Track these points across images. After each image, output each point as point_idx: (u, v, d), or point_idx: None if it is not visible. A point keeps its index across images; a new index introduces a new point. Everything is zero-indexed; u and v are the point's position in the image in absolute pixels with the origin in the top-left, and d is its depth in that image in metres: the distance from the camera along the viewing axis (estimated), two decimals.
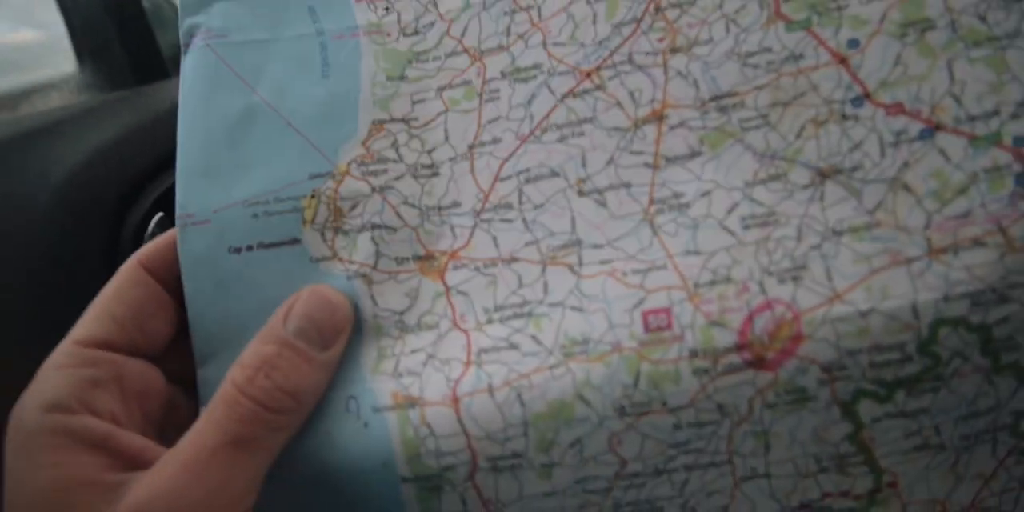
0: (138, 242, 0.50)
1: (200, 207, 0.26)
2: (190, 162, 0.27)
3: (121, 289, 0.25)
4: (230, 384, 0.22)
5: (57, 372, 0.23)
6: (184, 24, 0.29)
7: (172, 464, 0.21)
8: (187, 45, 0.28)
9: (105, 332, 0.24)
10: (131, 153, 0.52)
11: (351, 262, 0.26)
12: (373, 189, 0.26)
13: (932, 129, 0.23)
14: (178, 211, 0.26)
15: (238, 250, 0.26)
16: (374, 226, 0.26)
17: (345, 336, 0.24)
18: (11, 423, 0.22)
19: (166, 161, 0.52)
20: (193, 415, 0.23)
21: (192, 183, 0.26)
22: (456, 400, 0.23)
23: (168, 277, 0.25)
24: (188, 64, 0.28)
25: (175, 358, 0.25)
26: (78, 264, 0.50)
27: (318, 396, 0.23)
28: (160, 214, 0.50)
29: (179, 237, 0.26)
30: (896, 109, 0.23)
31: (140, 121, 0.55)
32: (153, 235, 0.50)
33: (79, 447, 0.21)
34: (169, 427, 0.25)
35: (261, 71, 0.27)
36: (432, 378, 0.24)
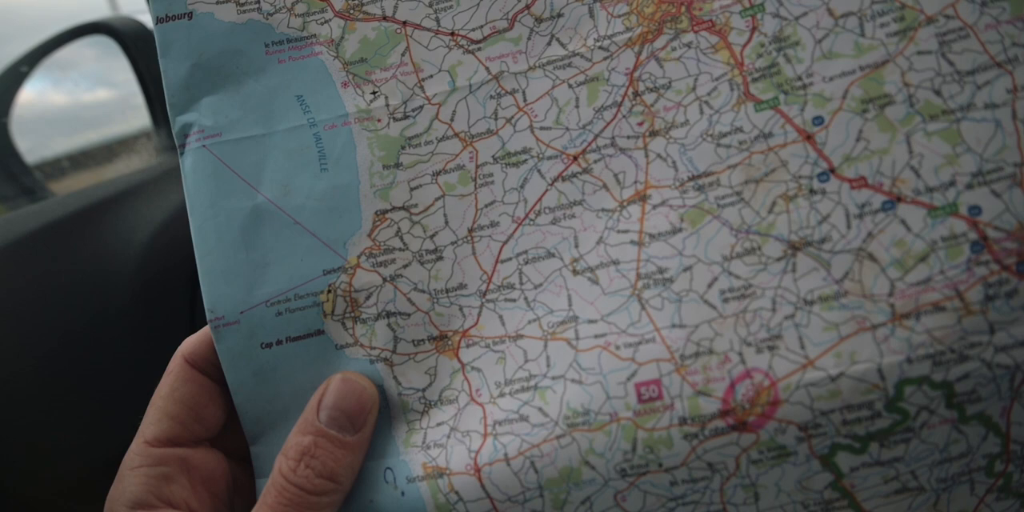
0: None
1: (227, 310, 0.29)
2: (209, 265, 0.29)
3: (174, 387, 0.28)
4: (278, 473, 0.25)
5: (133, 472, 0.26)
6: (176, 123, 0.30)
7: None
8: (182, 145, 0.30)
9: (168, 430, 0.27)
10: None
11: (372, 347, 0.28)
12: (384, 279, 0.29)
13: (893, 201, 0.25)
14: (208, 315, 0.29)
15: (269, 345, 0.28)
16: (389, 313, 0.28)
17: (373, 417, 0.27)
18: None
19: None
20: (252, 486, 0.27)
21: (215, 286, 0.29)
22: (478, 469, 0.26)
23: (212, 369, 0.29)
24: (188, 166, 0.30)
25: (231, 436, 0.29)
26: (164, 314, 0.55)
27: (355, 473, 0.27)
28: None
29: (214, 337, 0.29)
30: (860, 183, 0.25)
31: None
32: None
33: None
34: (235, 500, 0.28)
35: (261, 168, 0.29)
36: (455, 449, 0.27)
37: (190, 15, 0.30)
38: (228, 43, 0.30)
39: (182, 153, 0.30)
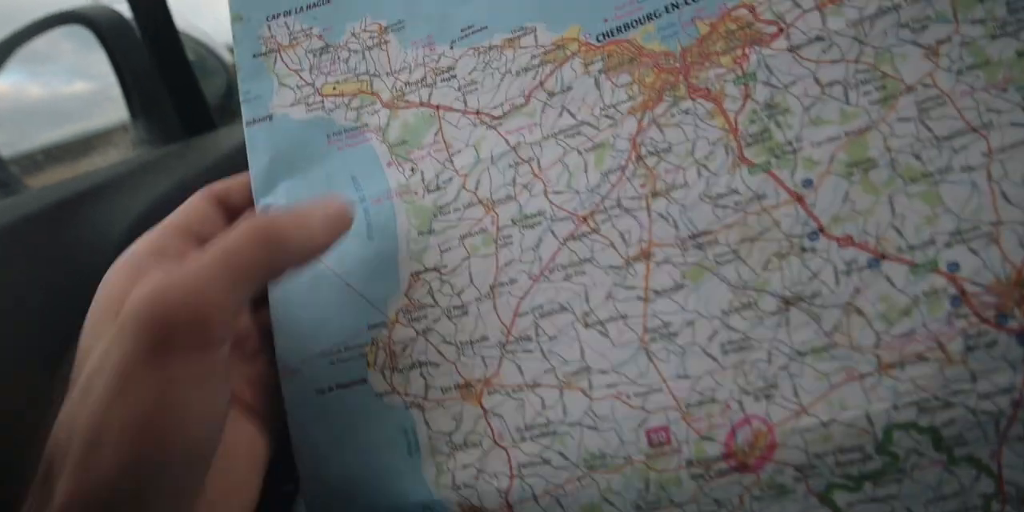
0: None
1: (293, 360, 0.33)
2: (280, 322, 0.33)
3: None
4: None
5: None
6: (259, 204, 0.35)
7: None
8: None
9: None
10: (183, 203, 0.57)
11: (407, 394, 0.31)
12: (417, 333, 0.32)
13: (878, 259, 0.27)
14: (279, 364, 0.33)
15: (322, 391, 0.32)
16: (421, 364, 0.31)
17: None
18: None
19: None
20: None
21: (284, 340, 0.33)
22: (510, 508, 0.29)
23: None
24: None
25: None
26: None
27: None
28: None
29: (282, 384, 0.32)
30: (847, 241, 0.27)
31: (191, 173, 0.60)
32: None
33: None
34: None
35: None
36: (486, 490, 0.29)
37: (270, 117, 0.35)
38: (299, 137, 0.35)
39: None
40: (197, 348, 0.24)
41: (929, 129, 0.27)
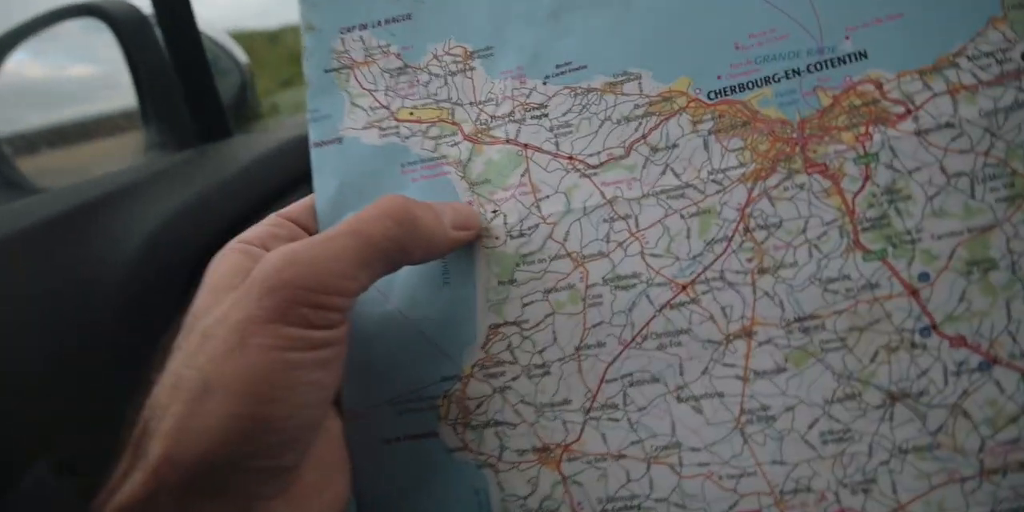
0: None
1: (359, 404, 0.31)
2: (352, 360, 0.30)
3: None
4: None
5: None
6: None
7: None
8: None
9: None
10: (201, 218, 0.55)
11: (480, 453, 0.30)
12: (494, 390, 0.30)
13: (990, 362, 0.27)
14: (345, 407, 0.31)
15: (389, 441, 0.31)
16: (497, 423, 0.30)
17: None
18: None
19: (233, 226, 0.54)
20: None
21: (353, 383, 0.31)
22: None
23: None
24: None
25: None
26: (155, 330, 0.52)
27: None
28: None
29: (347, 428, 0.31)
30: (959, 341, 0.27)
31: (207, 184, 0.57)
32: None
33: None
34: None
35: (392, 279, 0.31)
36: None
37: (340, 140, 0.33)
38: (370, 164, 0.32)
39: None
40: (319, 312, 0.25)
41: None
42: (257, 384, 0.23)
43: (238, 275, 0.27)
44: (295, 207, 0.33)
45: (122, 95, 0.73)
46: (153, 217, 0.54)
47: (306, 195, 0.33)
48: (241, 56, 0.91)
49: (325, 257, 0.25)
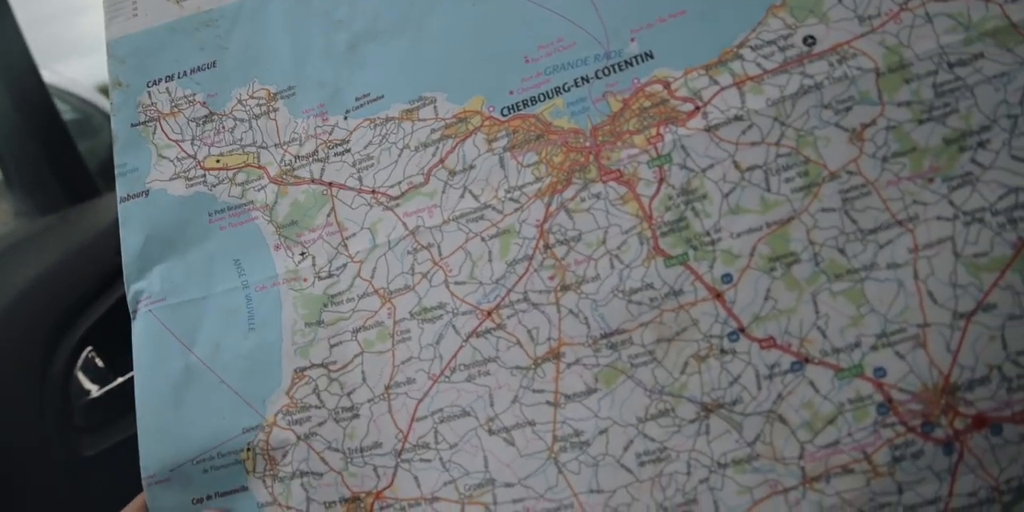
0: (68, 378, 0.49)
1: (159, 468, 0.29)
2: (145, 424, 0.29)
3: None
4: None
5: None
6: (130, 291, 0.31)
7: None
8: (135, 312, 0.31)
9: None
10: (60, 287, 0.53)
11: (288, 507, 0.28)
12: (298, 437, 0.28)
13: (802, 362, 0.25)
14: (143, 473, 0.29)
15: (199, 500, 0.29)
16: (302, 473, 0.28)
17: None
18: None
19: (94, 293, 0.53)
20: None
21: (150, 445, 0.29)
22: None
23: None
24: (137, 331, 0.31)
25: None
26: (6, 402, 0.49)
27: None
28: (89, 349, 0.50)
29: (147, 496, 0.29)
30: (768, 343, 0.25)
31: (68, 249, 0.56)
32: (84, 369, 0.51)
33: None
34: None
35: (197, 329, 0.30)
36: None
37: (147, 193, 0.32)
38: (177, 215, 0.31)
39: (134, 319, 0.31)
40: None
41: (854, 221, 0.25)
42: None
43: None
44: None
45: None
46: (9, 289, 0.53)
47: None
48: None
49: None
